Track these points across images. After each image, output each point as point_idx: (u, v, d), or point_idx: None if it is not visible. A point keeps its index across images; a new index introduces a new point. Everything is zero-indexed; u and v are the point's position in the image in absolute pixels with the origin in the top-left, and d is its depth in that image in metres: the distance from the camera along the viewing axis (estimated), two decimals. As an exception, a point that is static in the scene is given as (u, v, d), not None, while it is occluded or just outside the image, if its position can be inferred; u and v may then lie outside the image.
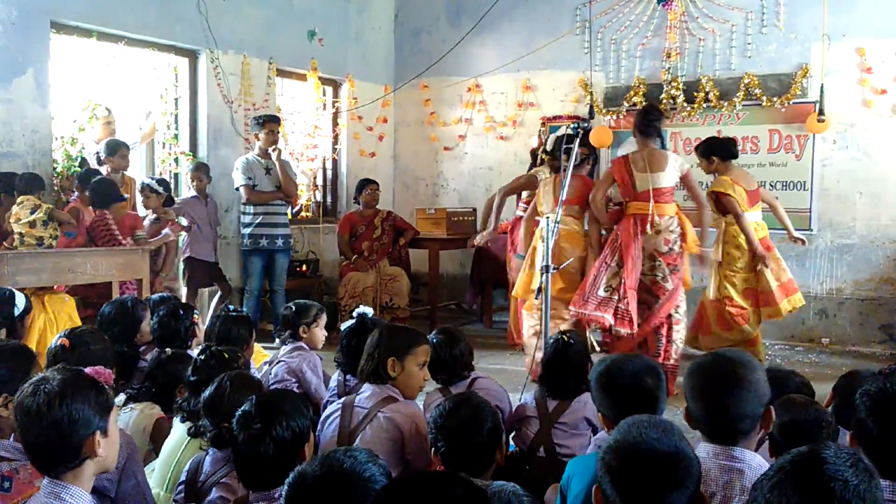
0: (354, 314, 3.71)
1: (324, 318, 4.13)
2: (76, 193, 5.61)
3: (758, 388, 2.01)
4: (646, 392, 2.39)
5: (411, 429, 2.84)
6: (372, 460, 1.76)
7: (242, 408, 2.23)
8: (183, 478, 2.59)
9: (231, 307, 4.08)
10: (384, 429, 2.82)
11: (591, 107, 8.04)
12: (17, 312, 3.90)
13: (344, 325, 3.68)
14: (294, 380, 3.86)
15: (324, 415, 3.04)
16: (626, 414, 2.19)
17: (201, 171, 6.81)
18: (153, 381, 3.26)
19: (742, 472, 1.89)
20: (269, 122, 6.82)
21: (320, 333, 4.13)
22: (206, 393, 2.60)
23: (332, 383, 3.79)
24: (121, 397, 3.27)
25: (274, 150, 6.78)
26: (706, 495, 1.76)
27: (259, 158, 6.82)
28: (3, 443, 2.25)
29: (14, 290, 4.04)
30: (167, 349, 3.39)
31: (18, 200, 4.97)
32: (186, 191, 7.01)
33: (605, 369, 2.48)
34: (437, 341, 3.42)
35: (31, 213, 4.89)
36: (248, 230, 6.82)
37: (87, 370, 2.03)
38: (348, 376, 3.69)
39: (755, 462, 1.93)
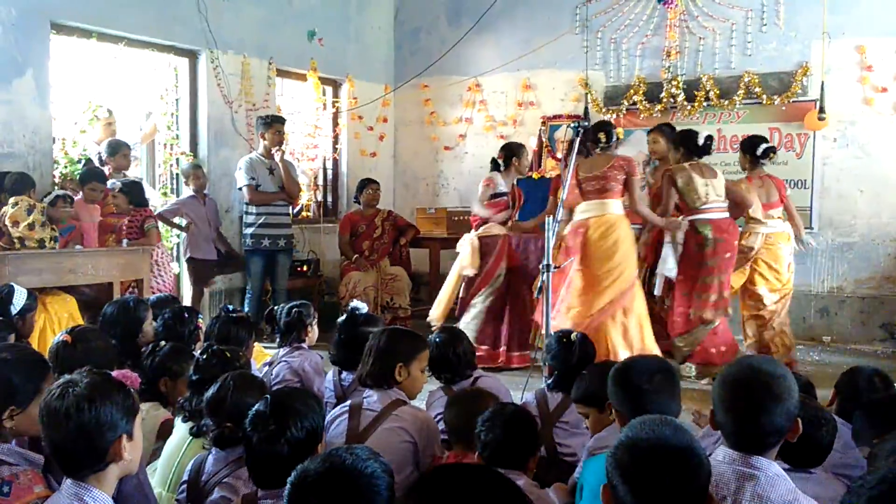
0: (350, 306, 3.76)
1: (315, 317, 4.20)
2: (80, 194, 5.60)
3: (790, 402, 1.94)
4: (660, 388, 2.41)
5: (423, 432, 2.85)
6: (373, 457, 1.76)
7: (256, 407, 2.22)
8: (185, 477, 2.59)
9: (230, 307, 4.08)
10: (395, 432, 2.82)
11: (587, 107, 8.05)
12: (14, 310, 3.82)
13: (339, 321, 3.73)
14: (297, 380, 3.86)
15: (330, 415, 3.04)
16: (640, 411, 2.20)
17: (199, 170, 6.82)
18: (143, 372, 3.24)
19: (756, 479, 1.86)
20: (276, 123, 6.84)
21: (315, 330, 4.19)
22: (209, 393, 2.60)
23: (328, 384, 3.79)
24: None
25: (277, 151, 6.79)
26: (715, 497, 1.75)
27: (262, 158, 6.82)
28: (4, 447, 2.23)
29: (14, 286, 3.94)
30: (163, 342, 3.37)
31: (11, 201, 4.90)
32: (185, 191, 7.00)
33: (623, 366, 2.53)
34: (440, 340, 3.44)
35: (28, 213, 4.84)
36: (250, 230, 6.82)
37: (114, 373, 2.02)
38: (343, 375, 3.71)
39: (771, 471, 1.89)
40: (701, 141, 5.68)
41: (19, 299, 3.86)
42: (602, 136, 5.61)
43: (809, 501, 1.89)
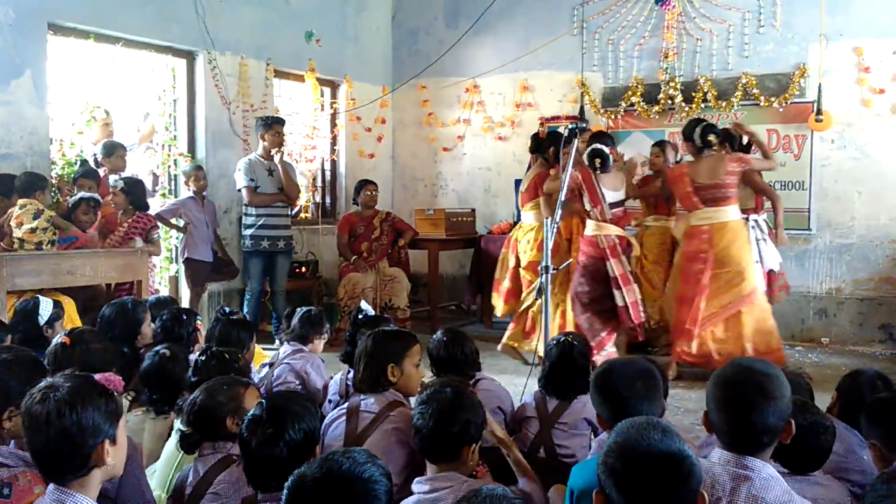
0: (356, 308, 3.90)
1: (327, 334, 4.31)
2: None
3: (783, 402, 1.96)
4: (641, 394, 2.41)
5: None
6: (371, 460, 1.77)
7: (252, 412, 2.24)
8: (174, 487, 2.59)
9: (227, 309, 4.08)
10: (392, 433, 2.82)
11: (582, 108, 8.04)
12: (42, 321, 3.91)
13: (350, 321, 3.82)
14: (297, 381, 3.86)
15: (328, 418, 3.03)
16: (621, 416, 2.20)
17: (200, 171, 6.82)
18: (150, 382, 3.24)
19: (750, 480, 1.87)
20: (276, 125, 6.84)
21: (321, 346, 4.25)
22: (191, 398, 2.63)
23: (334, 385, 3.79)
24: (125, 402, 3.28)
25: (277, 153, 6.78)
26: (710, 499, 1.75)
27: (261, 159, 6.81)
28: (3, 449, 2.23)
29: (40, 297, 4.07)
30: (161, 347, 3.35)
31: (20, 203, 4.93)
32: (184, 191, 6.99)
33: (602, 372, 2.52)
34: (445, 340, 3.44)
35: (34, 218, 4.86)
36: (249, 231, 6.81)
37: (97, 377, 2.00)
38: (350, 376, 3.72)
39: (766, 472, 1.90)
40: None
41: (45, 310, 3.95)
42: (713, 138, 5.62)
43: (804, 503, 1.89)
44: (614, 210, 5.80)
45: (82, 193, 5.42)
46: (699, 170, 5.63)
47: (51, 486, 1.91)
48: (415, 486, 2.30)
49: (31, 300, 4.06)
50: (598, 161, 5.69)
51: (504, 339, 6.30)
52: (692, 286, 5.62)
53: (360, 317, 3.82)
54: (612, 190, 5.77)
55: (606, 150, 5.75)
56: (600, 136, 5.96)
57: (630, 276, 5.77)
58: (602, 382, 2.47)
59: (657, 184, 6.48)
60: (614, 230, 5.77)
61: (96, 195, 5.47)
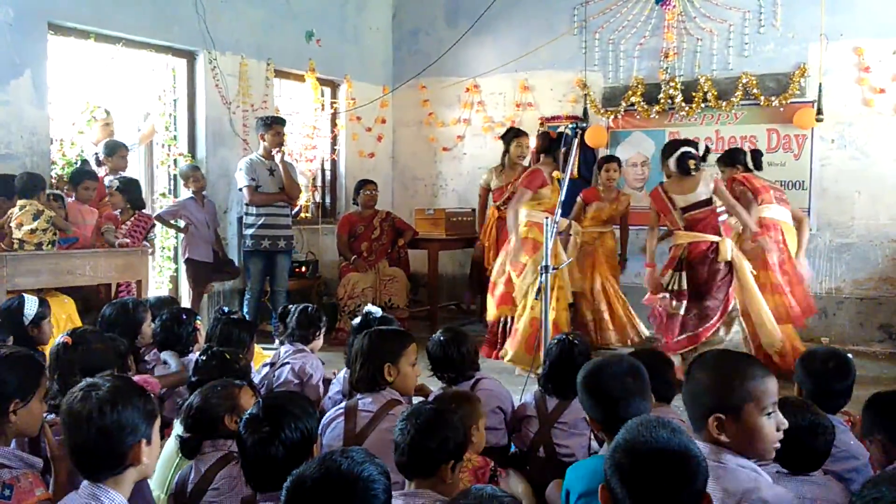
0: (364, 310, 3.88)
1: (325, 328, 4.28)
2: (73, 196, 5.60)
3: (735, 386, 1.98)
4: (632, 393, 2.38)
5: None
6: (369, 459, 1.76)
7: (249, 411, 2.25)
8: (173, 489, 2.59)
9: (226, 309, 4.08)
10: (390, 432, 2.82)
11: (585, 108, 8.04)
12: (27, 320, 3.80)
13: (354, 322, 3.81)
14: (297, 381, 3.87)
15: (326, 418, 3.04)
16: (612, 416, 2.20)
17: (198, 172, 6.82)
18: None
19: (720, 473, 1.89)
20: (276, 124, 6.82)
21: (320, 343, 4.24)
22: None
23: (337, 383, 3.80)
24: None
25: (278, 152, 6.78)
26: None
27: (262, 159, 6.81)
28: (4, 450, 2.24)
29: (25, 295, 3.93)
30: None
31: (19, 204, 4.92)
32: (184, 192, 6.99)
33: (588, 373, 2.48)
34: (443, 340, 3.45)
35: (34, 219, 4.86)
36: (250, 231, 6.80)
37: (136, 378, 2.05)
38: None
39: (732, 463, 1.93)
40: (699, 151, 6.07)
41: (31, 308, 3.83)
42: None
43: (773, 488, 1.92)
44: (691, 213, 5.44)
45: (47, 191, 5.35)
46: (759, 178, 6.13)
47: (85, 481, 1.95)
48: None
49: (15, 299, 3.91)
50: (691, 163, 5.40)
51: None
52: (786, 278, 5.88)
53: (370, 317, 3.82)
54: (679, 195, 5.45)
55: (694, 151, 5.48)
56: (684, 141, 5.73)
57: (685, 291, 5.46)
58: (591, 384, 2.43)
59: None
60: (701, 237, 5.42)
61: (57, 191, 5.43)
